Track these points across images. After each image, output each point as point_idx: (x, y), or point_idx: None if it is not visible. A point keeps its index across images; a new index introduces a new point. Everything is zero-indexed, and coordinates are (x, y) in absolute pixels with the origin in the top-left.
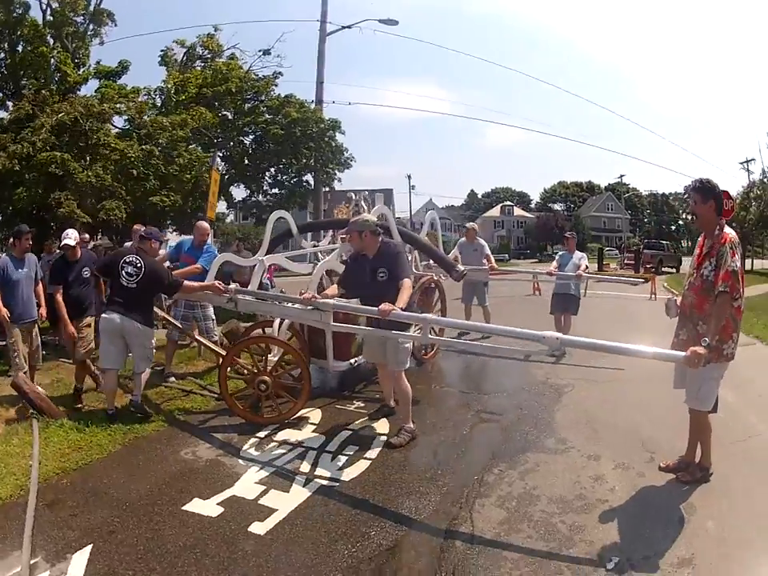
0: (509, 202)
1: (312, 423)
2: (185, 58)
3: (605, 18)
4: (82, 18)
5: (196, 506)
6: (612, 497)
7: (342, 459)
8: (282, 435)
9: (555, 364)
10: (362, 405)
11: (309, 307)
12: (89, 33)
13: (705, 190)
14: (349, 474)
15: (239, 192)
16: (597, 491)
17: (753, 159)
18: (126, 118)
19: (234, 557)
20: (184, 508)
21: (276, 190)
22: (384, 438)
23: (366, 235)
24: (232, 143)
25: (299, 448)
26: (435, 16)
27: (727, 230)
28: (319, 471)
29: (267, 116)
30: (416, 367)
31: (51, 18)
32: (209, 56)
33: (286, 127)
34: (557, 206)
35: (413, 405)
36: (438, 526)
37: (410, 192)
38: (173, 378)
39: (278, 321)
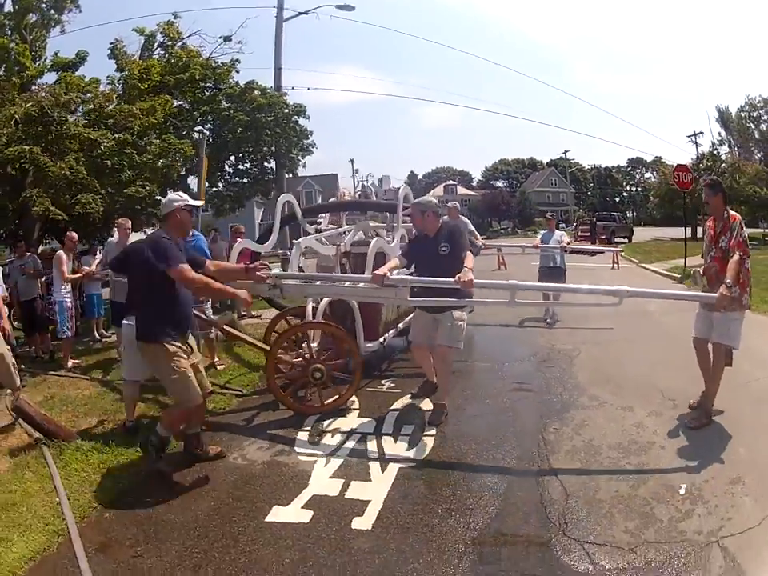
0: (451, 181)
1: (353, 409)
2: (144, 45)
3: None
4: (45, 4)
5: (280, 514)
6: (657, 438)
7: (405, 440)
8: (329, 425)
9: (550, 328)
10: (393, 385)
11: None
12: (52, 20)
13: (714, 185)
14: (421, 453)
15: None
16: (643, 435)
17: (701, 132)
18: (91, 107)
19: (355, 558)
20: (268, 520)
21: (237, 179)
22: (428, 410)
23: (428, 215)
24: (185, 133)
25: (355, 435)
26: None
27: (733, 212)
28: (390, 455)
29: (226, 104)
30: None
31: (15, 7)
32: (169, 43)
33: (251, 113)
34: (499, 183)
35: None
36: (529, 486)
37: (353, 176)
38: None
39: (311, 306)
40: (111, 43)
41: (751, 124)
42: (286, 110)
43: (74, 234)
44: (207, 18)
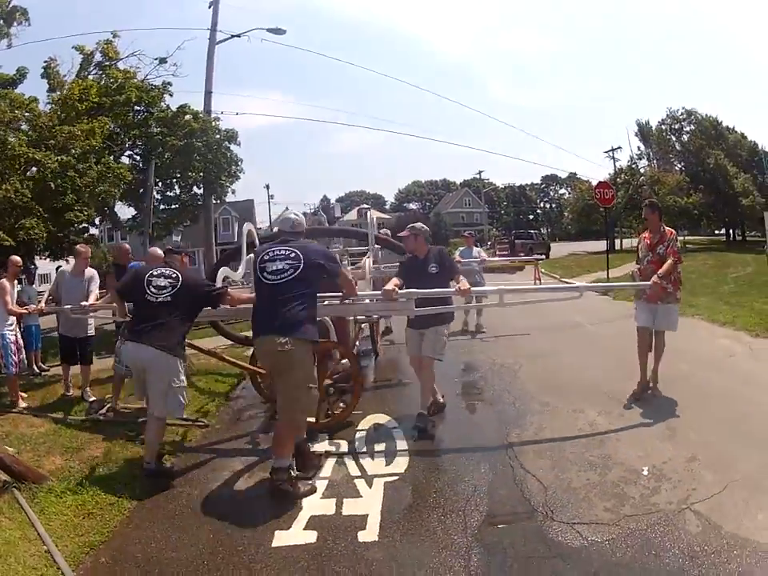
0: (365, 205)
1: (321, 433)
2: (82, 64)
3: (448, 14)
4: None
5: (284, 538)
6: (612, 433)
7: (381, 456)
8: None
9: (473, 339)
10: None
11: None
12: (3, 32)
13: (652, 205)
14: (400, 467)
15: (125, 211)
16: (599, 431)
17: (619, 147)
18: (34, 125)
19: (374, 568)
20: (275, 545)
21: (165, 206)
22: (396, 429)
23: (420, 239)
24: (113, 158)
25: (332, 457)
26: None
27: (669, 228)
28: (371, 471)
29: (157, 129)
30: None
31: None
32: (107, 63)
33: (183, 138)
34: (412, 205)
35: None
36: (508, 485)
37: (269, 202)
38: (111, 414)
39: None
40: (45, 62)
41: (672, 136)
42: (218, 136)
43: (18, 258)
44: (145, 39)
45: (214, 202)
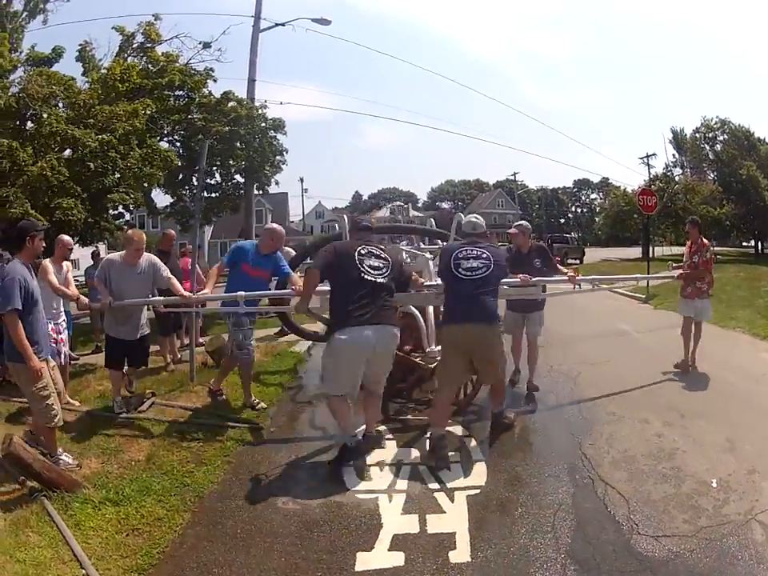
0: (399, 202)
1: (389, 439)
2: (121, 45)
3: (479, 15)
4: None
5: (368, 561)
6: (678, 444)
7: (458, 467)
8: (373, 458)
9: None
10: (412, 405)
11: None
12: (38, 8)
13: (693, 222)
14: (479, 478)
15: (162, 198)
16: (665, 443)
17: (654, 154)
18: (73, 102)
19: None
20: (359, 569)
21: (205, 194)
22: (468, 437)
23: (526, 236)
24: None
25: (404, 466)
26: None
27: (705, 240)
28: (451, 484)
29: (199, 114)
30: None
31: None
32: (148, 45)
33: (228, 125)
34: (444, 204)
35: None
36: (591, 497)
37: (302, 195)
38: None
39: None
40: (80, 45)
41: (706, 145)
42: (264, 124)
43: (68, 239)
44: (186, 25)
45: (256, 192)
